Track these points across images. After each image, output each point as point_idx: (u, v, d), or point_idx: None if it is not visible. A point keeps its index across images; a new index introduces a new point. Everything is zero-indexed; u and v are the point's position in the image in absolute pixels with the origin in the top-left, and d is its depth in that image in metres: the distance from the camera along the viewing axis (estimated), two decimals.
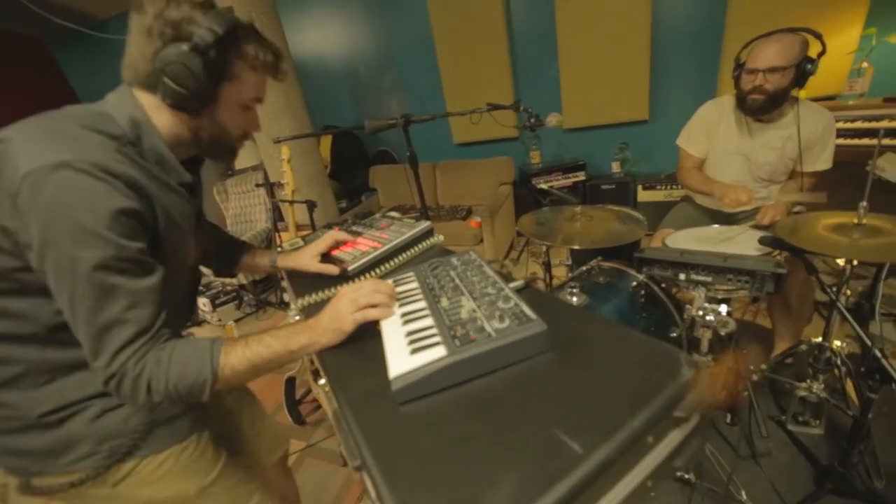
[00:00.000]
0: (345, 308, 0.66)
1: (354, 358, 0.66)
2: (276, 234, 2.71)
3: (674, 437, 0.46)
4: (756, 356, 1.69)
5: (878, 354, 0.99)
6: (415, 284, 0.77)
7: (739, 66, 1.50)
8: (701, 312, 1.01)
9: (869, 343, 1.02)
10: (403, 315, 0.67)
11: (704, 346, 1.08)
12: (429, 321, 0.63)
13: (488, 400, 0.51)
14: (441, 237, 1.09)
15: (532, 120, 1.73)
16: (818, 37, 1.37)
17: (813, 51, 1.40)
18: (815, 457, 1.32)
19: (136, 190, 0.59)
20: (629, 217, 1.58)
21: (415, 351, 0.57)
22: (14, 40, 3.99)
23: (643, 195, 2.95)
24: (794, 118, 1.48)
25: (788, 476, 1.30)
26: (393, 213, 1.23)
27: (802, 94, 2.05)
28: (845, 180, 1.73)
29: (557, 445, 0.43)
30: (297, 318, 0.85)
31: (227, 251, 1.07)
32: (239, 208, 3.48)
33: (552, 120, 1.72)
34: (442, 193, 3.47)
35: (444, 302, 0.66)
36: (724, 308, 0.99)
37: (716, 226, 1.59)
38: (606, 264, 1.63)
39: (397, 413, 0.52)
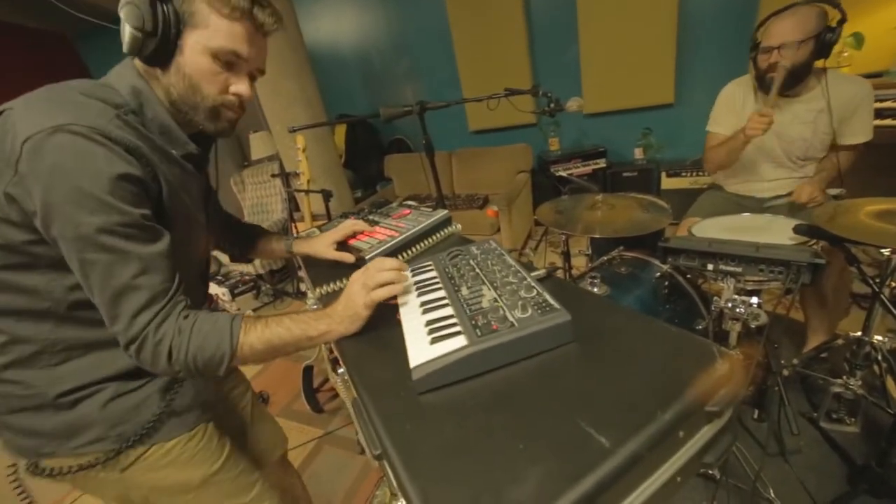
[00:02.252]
0: (357, 293, 0.66)
1: (373, 347, 0.65)
2: (293, 224, 2.73)
3: (706, 433, 0.44)
4: (787, 350, 1.62)
5: None
6: (433, 273, 0.75)
7: (755, 45, 1.42)
8: (730, 304, 0.96)
9: None
10: (423, 304, 0.66)
11: (733, 339, 1.04)
12: (449, 310, 0.62)
13: (511, 391, 0.49)
14: (459, 226, 1.07)
15: (551, 105, 1.68)
16: (836, 5, 1.28)
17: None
18: (850, 456, 1.26)
19: (138, 157, 0.58)
20: (653, 205, 1.52)
21: (435, 340, 0.55)
22: (38, 35, 4.09)
23: (667, 182, 2.85)
24: (822, 91, 1.39)
25: (819, 475, 1.25)
26: (410, 202, 1.21)
27: (847, 69, 1.91)
28: (888, 165, 1.62)
29: (584, 439, 0.41)
30: (316, 307, 0.85)
31: (242, 236, 1.08)
32: (255, 199, 3.52)
33: (573, 104, 1.66)
34: (458, 182, 3.43)
35: (465, 291, 0.64)
36: (755, 299, 0.94)
37: (746, 214, 1.52)
38: (628, 254, 1.58)
39: (418, 403, 0.51)
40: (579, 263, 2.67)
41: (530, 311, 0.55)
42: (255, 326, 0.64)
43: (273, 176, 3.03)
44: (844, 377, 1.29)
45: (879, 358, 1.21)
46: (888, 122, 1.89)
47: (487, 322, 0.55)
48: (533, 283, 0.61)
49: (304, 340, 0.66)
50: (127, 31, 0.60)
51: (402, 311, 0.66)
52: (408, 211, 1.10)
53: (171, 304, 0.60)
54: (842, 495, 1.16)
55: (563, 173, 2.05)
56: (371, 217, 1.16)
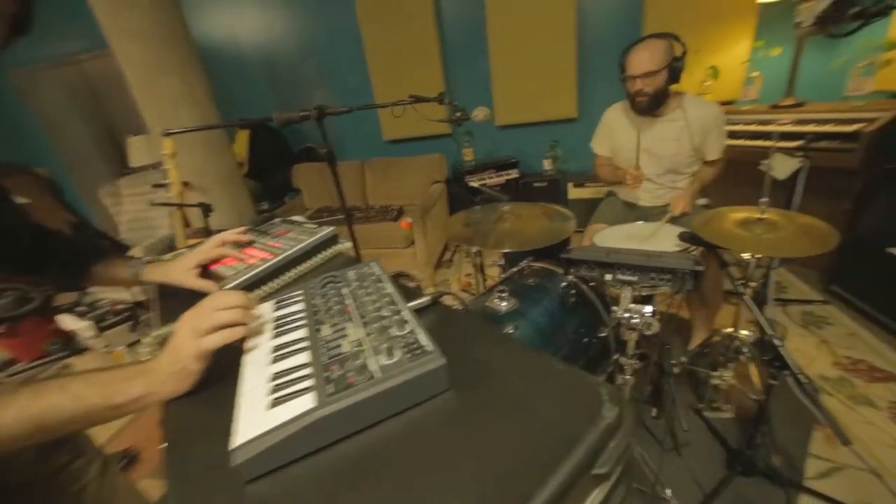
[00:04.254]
0: (184, 341, 0.50)
1: (207, 410, 0.50)
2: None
3: (595, 497, 0.38)
4: (677, 348, 1.76)
5: (777, 343, 1.03)
6: (301, 306, 0.62)
7: (623, 71, 1.61)
8: (627, 315, 0.98)
9: (770, 331, 1.06)
10: (275, 349, 0.53)
11: (631, 346, 1.06)
12: (304, 357, 0.50)
13: (367, 466, 0.39)
14: (348, 244, 0.95)
15: (458, 114, 1.65)
16: (677, 39, 1.53)
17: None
18: (727, 442, 1.38)
19: None
20: (557, 214, 1.55)
21: (277, 402, 0.43)
22: None
23: (573, 192, 3.02)
24: (680, 111, 1.62)
25: (706, 463, 1.35)
26: (296, 218, 1.06)
27: (709, 96, 2.22)
28: (743, 178, 1.87)
29: None
30: (148, 358, 0.66)
31: (69, 258, 0.84)
32: (135, 213, 3.02)
33: (479, 114, 1.64)
34: (372, 193, 3.29)
35: (326, 330, 0.53)
36: (648, 309, 0.97)
37: (640, 222, 1.62)
38: (537, 264, 1.59)
39: (243, 497, 0.38)
40: (495, 274, 2.70)
41: (398, 354, 0.45)
42: (14, 398, 0.45)
43: (155, 186, 2.61)
44: (720, 369, 1.42)
45: (745, 350, 1.34)
46: (740, 142, 2.19)
47: (343, 374, 0.44)
48: (408, 317, 0.52)
49: (107, 411, 0.49)
50: None
51: (245, 360, 0.52)
52: (284, 230, 0.95)
53: None
54: (722, 479, 1.26)
55: (476, 184, 2.03)
56: (250, 235, 0.98)
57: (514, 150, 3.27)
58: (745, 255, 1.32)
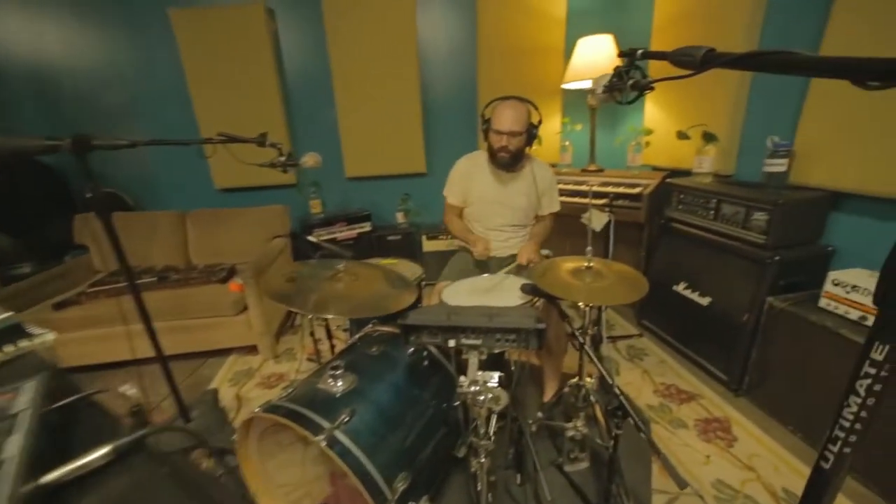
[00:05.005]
0: None
1: None
2: None
3: None
4: (534, 401, 1.74)
5: (617, 392, 1.04)
6: None
7: (486, 121, 1.69)
8: (472, 389, 0.84)
9: (611, 380, 1.06)
10: None
11: (482, 424, 0.92)
12: None
13: None
14: (49, 337, 0.58)
15: (282, 158, 1.42)
16: (536, 108, 1.70)
17: (536, 118, 1.73)
18: (587, 497, 1.35)
19: None
20: (399, 280, 1.36)
21: None
22: None
23: (428, 245, 3.01)
24: (529, 170, 1.77)
25: None
26: None
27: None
28: (569, 229, 2.11)
29: None
30: None
31: None
32: None
33: (309, 160, 1.44)
34: (196, 250, 2.69)
35: None
36: (494, 380, 0.85)
37: (486, 275, 1.60)
38: (383, 328, 1.39)
39: None
40: (345, 337, 2.40)
41: None
42: None
43: None
44: (574, 420, 1.41)
45: (592, 398, 1.36)
46: (563, 198, 2.51)
47: None
48: None
49: None
50: None
51: None
52: None
53: None
54: None
55: (314, 238, 1.78)
56: None
57: (367, 202, 3.14)
58: (581, 304, 1.39)
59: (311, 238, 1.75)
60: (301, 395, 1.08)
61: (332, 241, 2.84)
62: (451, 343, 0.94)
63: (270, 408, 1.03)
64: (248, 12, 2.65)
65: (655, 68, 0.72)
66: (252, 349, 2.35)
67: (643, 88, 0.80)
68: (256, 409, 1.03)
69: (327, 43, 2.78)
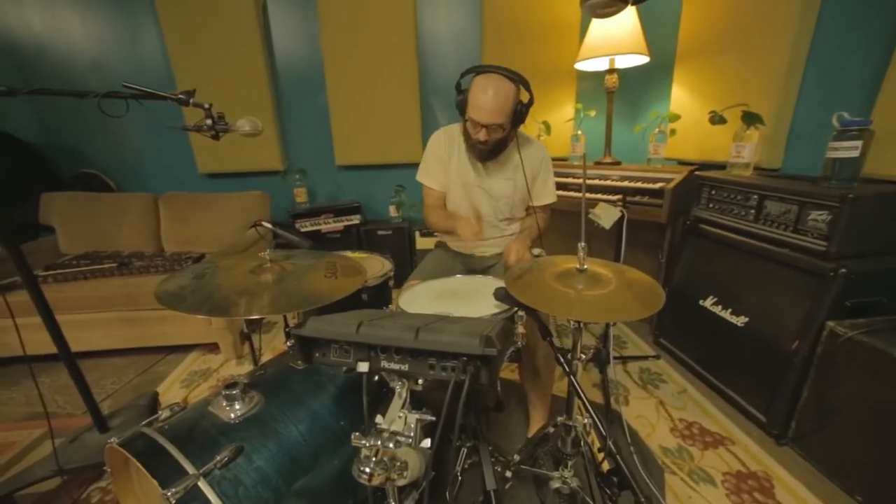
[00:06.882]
0: None
1: None
2: None
3: None
4: (516, 433, 1.42)
5: (614, 449, 0.72)
6: None
7: (461, 93, 1.33)
8: (388, 436, 0.54)
9: (604, 433, 0.74)
10: None
11: (392, 499, 0.61)
12: None
13: None
14: None
15: (210, 122, 1.16)
16: (527, 86, 1.30)
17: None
18: None
19: None
20: (350, 269, 1.10)
21: None
22: None
23: (421, 242, 2.72)
24: (514, 147, 1.42)
25: None
26: None
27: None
28: (576, 228, 1.77)
29: None
30: None
31: None
32: None
33: (245, 125, 1.18)
34: (168, 236, 2.49)
35: None
36: (412, 425, 0.55)
37: (458, 276, 1.30)
38: None
39: None
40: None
41: None
42: None
43: None
44: (560, 469, 1.09)
45: (583, 444, 1.04)
46: (571, 193, 2.17)
47: None
48: None
49: None
50: None
51: None
52: None
53: None
54: None
55: (267, 224, 1.53)
56: None
57: (359, 193, 2.89)
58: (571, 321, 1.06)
59: (264, 223, 1.49)
60: (182, 420, 0.81)
61: (316, 232, 2.59)
62: (363, 367, 0.65)
63: (131, 437, 0.77)
64: None
65: None
66: (215, 347, 2.13)
67: None
68: (113, 440, 0.77)
69: (319, 23, 2.54)
